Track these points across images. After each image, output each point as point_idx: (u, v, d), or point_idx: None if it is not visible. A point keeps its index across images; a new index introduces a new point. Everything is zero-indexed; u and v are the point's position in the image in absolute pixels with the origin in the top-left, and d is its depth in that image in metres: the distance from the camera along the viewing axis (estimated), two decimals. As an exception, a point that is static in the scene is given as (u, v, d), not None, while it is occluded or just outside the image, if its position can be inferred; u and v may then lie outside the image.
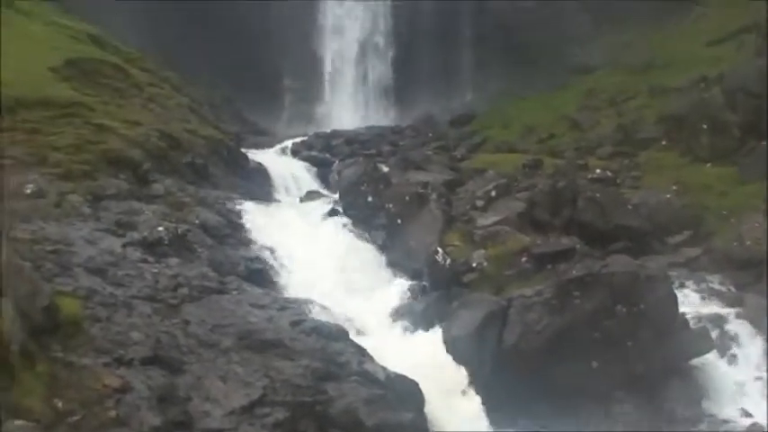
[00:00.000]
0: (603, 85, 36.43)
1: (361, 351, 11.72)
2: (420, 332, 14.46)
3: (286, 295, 14.36)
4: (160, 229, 14.05)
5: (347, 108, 52.98)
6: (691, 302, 14.60)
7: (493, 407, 12.54)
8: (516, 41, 51.64)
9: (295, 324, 11.80)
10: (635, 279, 13.23)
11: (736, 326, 14.01)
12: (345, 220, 19.28)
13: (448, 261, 15.87)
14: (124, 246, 13.03)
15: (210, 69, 48.59)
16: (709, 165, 20.10)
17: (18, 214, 12.75)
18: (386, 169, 22.93)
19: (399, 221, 17.84)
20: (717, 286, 15.14)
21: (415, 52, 53.44)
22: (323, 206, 20.64)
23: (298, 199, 23.19)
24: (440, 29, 53.55)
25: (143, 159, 17.45)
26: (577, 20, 51.30)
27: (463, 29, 54.09)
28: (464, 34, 53.94)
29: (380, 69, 53.84)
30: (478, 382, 12.83)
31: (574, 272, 13.53)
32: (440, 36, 53.40)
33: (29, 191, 13.92)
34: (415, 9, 53.83)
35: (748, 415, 12.71)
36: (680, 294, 13.97)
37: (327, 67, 54.45)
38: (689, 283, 15.19)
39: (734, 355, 13.72)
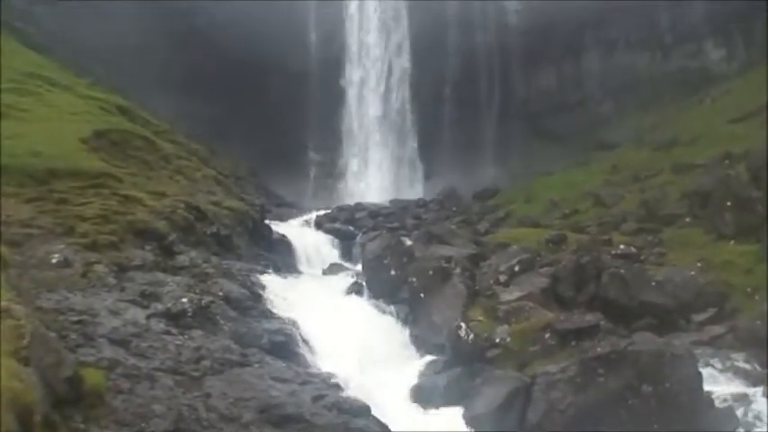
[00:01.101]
0: (627, 161, 36.49)
1: (384, 427, 11.57)
2: (443, 408, 14.20)
3: (308, 369, 14.26)
4: (184, 300, 14.10)
5: (371, 181, 53.53)
6: (716, 381, 14.27)
7: (516, 487, 12.30)
8: (540, 120, 52.61)
9: (317, 399, 11.69)
10: (660, 358, 12.99)
11: (762, 405, 13.65)
12: (368, 293, 19.31)
13: (471, 336, 15.68)
14: (148, 317, 13.09)
15: (237, 142, 49.57)
16: (733, 242, 19.88)
17: (44, 284, 12.91)
18: (409, 243, 23.03)
19: (422, 296, 17.69)
20: (742, 364, 14.84)
21: (440, 128, 54.29)
22: (346, 279, 20.73)
23: (321, 271, 23.31)
24: (464, 106, 54.59)
25: (169, 231, 17.66)
26: (600, 103, 52.22)
27: (487, 107, 55.11)
28: (488, 112, 54.93)
29: (404, 144, 54.65)
30: (502, 460, 12.53)
31: (598, 349, 13.31)
32: (464, 113, 54.36)
33: (55, 260, 14.08)
34: (440, 87, 55.19)
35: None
36: (705, 373, 13.69)
37: (351, 141, 55.38)
38: (714, 361, 14.88)
39: (759, 435, 13.37)
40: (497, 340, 15.62)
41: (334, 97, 55.79)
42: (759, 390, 13.83)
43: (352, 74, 56.84)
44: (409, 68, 56.29)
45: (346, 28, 57.56)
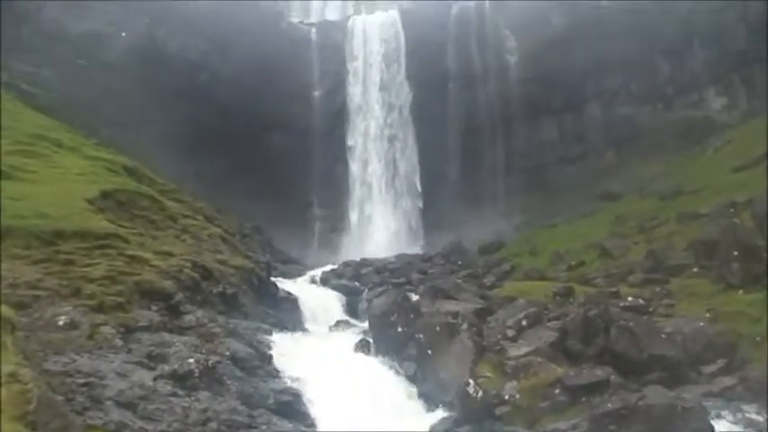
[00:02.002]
0: (632, 211, 36.65)
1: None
2: (452, 467, 14.07)
3: (315, 428, 14.19)
4: (191, 361, 14.07)
5: (376, 236, 53.71)
6: (728, 433, 14.17)
7: None
8: (543, 172, 52.96)
9: (324, 459, 11.63)
10: (672, 411, 12.86)
11: (774, 455, 13.58)
12: (375, 350, 19.22)
13: (480, 393, 15.50)
14: (155, 379, 13.06)
15: (241, 198, 49.92)
16: (741, 291, 19.84)
17: (51, 346, 12.94)
18: (415, 298, 22.95)
19: (430, 352, 17.50)
20: (753, 416, 14.65)
21: (443, 181, 54.75)
22: (352, 336, 20.65)
23: (327, 328, 23.25)
24: (467, 159, 55.37)
25: (175, 290, 17.68)
26: (603, 154, 52.64)
27: (490, 159, 55.58)
28: (491, 164, 55.42)
29: (409, 198, 55.03)
30: None
31: (609, 405, 13.22)
32: (467, 165, 55.14)
33: (62, 322, 14.09)
34: (443, 141, 55.95)
35: None
36: (716, 425, 13.57)
37: (355, 196, 55.70)
38: (725, 413, 14.69)
39: (770, 486, 13.14)
40: (506, 397, 15.49)
41: (337, 152, 56.53)
42: (771, 441, 13.72)
43: (356, 129, 57.87)
44: (412, 122, 57.36)
45: (349, 83, 58.76)
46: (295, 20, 63.11)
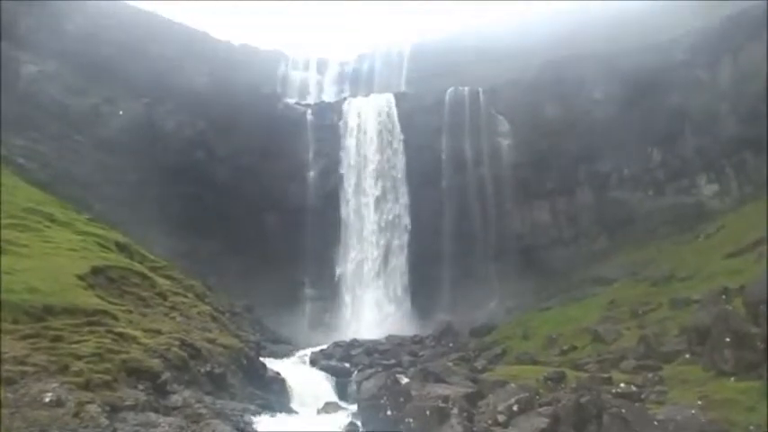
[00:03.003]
0: (624, 297, 36.67)
1: None
2: None
3: None
4: (176, 442, 13.90)
5: (367, 317, 53.70)
6: None
7: None
8: (535, 255, 53.16)
9: None
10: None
11: None
12: (364, 433, 18.89)
13: (470, 480, 15.33)
14: (139, 460, 12.87)
15: (234, 277, 49.98)
16: (733, 378, 19.70)
17: (36, 423, 12.81)
18: (406, 381, 22.73)
19: (420, 437, 17.35)
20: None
21: (436, 262, 54.83)
22: (341, 419, 20.29)
23: (315, 410, 22.91)
24: (460, 241, 55.89)
25: (162, 369, 17.51)
26: (595, 239, 52.98)
27: (483, 242, 55.88)
28: (484, 246, 55.70)
29: (401, 279, 54.95)
30: None
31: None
32: (460, 247, 55.58)
33: (48, 399, 13.95)
34: (436, 222, 56.60)
35: None
36: None
37: (348, 277, 55.68)
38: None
39: None
40: (497, 484, 15.26)
41: (330, 232, 56.66)
42: None
43: (349, 209, 58.25)
44: (406, 203, 57.99)
45: (343, 164, 59.36)
46: (291, 101, 64.37)
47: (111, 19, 55.68)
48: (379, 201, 58.00)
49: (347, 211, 58.16)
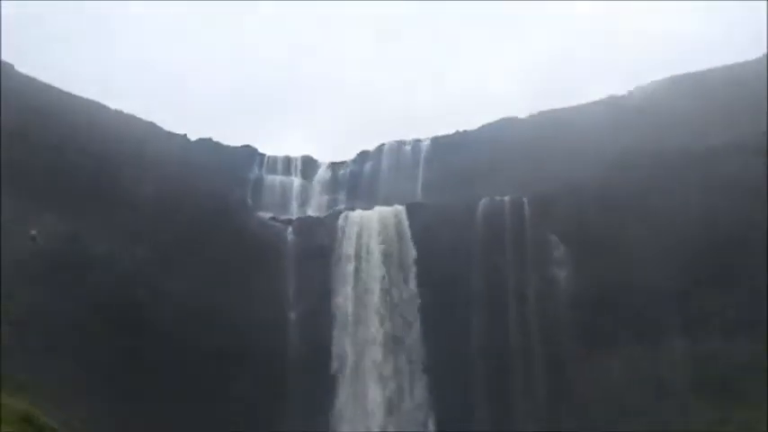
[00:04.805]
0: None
1: None
2: None
3: None
4: None
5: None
6: None
7: None
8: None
9: None
10: None
11: None
12: None
13: None
14: None
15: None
16: None
17: None
18: None
19: None
20: None
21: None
22: None
23: None
24: (496, 403, 55.54)
25: None
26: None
27: (530, 405, 55.58)
28: (531, 411, 55.38)
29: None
30: None
31: None
32: (496, 412, 55.25)
33: None
34: (465, 377, 56.01)
35: None
36: None
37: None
38: None
39: None
40: None
41: (318, 398, 56.19)
42: None
43: (345, 369, 57.82)
44: (422, 356, 57.73)
45: (337, 301, 59.53)
46: (266, 215, 64.47)
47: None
48: (386, 348, 57.58)
49: (342, 369, 57.41)
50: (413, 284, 59.08)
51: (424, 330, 58.04)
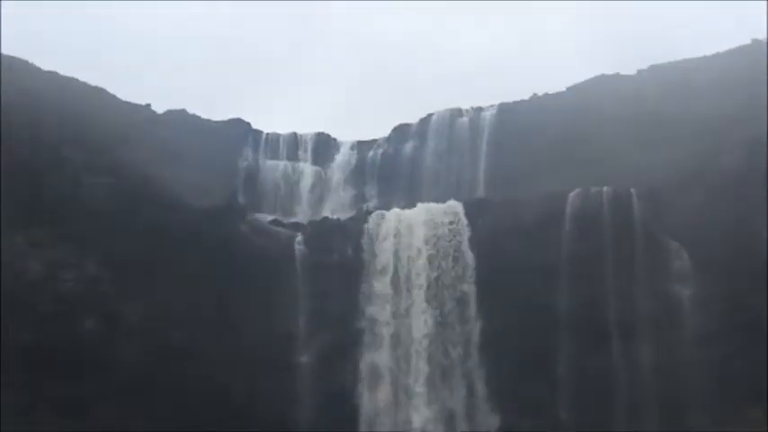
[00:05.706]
0: None
1: None
2: None
3: None
4: None
5: None
6: None
7: None
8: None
9: None
10: None
11: None
12: None
13: None
14: None
15: None
16: None
17: None
18: None
19: None
20: None
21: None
22: None
23: None
24: None
25: None
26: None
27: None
28: None
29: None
30: None
31: None
32: None
33: None
34: None
35: None
36: None
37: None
38: None
39: None
40: None
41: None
42: None
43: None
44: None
45: (365, 340, 55.39)
46: (266, 217, 62.43)
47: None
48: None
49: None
50: (473, 312, 53.79)
51: (486, 377, 53.39)
